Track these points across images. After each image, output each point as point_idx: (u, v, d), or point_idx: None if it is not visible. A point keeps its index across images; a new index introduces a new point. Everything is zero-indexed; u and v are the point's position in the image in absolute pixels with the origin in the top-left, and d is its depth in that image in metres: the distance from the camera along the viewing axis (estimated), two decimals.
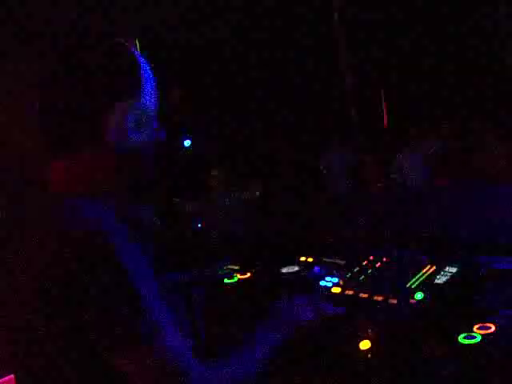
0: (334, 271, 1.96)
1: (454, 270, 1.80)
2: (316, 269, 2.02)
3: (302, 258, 2.24)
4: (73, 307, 1.12)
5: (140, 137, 1.30)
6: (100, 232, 1.15)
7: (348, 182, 7.96)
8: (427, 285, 1.75)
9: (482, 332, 1.50)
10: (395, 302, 1.68)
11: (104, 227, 1.17)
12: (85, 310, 1.12)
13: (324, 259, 2.19)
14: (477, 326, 1.53)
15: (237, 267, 2.27)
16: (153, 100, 1.34)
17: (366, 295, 1.77)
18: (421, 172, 7.45)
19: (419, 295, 1.68)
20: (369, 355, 1.50)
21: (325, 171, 8.67)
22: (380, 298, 1.72)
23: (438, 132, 8.12)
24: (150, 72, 1.35)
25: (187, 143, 8.48)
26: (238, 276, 2.22)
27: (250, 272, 2.23)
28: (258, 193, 6.52)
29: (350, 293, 1.81)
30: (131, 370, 1.16)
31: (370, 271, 1.93)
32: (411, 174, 7.51)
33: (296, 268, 2.20)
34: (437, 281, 1.76)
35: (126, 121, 1.26)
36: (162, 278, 1.95)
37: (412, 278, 1.79)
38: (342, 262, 2.07)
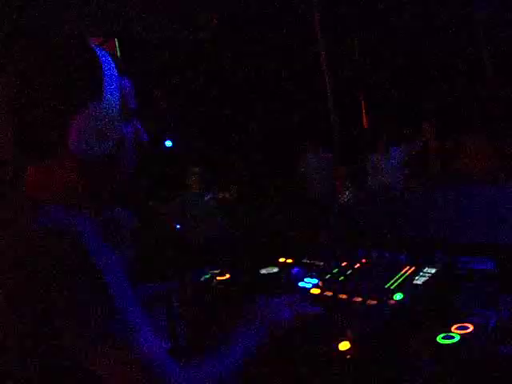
0: (313, 272, 1.96)
1: (432, 270, 1.81)
2: (295, 270, 2.01)
3: (282, 260, 2.24)
4: (42, 307, 1.11)
5: (103, 145, 1.26)
6: (71, 231, 1.14)
7: (326, 184, 8.02)
8: (406, 285, 1.75)
9: (460, 332, 1.51)
10: (374, 302, 1.68)
11: (76, 227, 1.16)
12: (55, 311, 1.11)
13: (303, 260, 2.19)
14: (455, 326, 1.54)
15: (217, 271, 2.25)
16: (116, 104, 1.27)
17: (345, 296, 1.77)
18: (397, 173, 7.52)
19: (398, 296, 1.68)
20: (348, 356, 1.50)
21: (303, 172, 8.72)
22: (359, 299, 1.72)
23: (417, 132, 8.20)
24: (115, 74, 1.28)
25: (168, 143, 8.48)
26: (218, 277, 2.21)
27: (229, 273, 2.22)
28: (234, 193, 6.55)
29: (329, 294, 1.81)
30: (105, 371, 1.15)
31: (349, 272, 1.94)
32: (388, 174, 7.59)
33: (275, 269, 2.19)
34: (415, 281, 1.77)
35: (83, 132, 1.22)
36: (141, 288, 1.95)
37: (391, 279, 1.80)
38: (321, 264, 2.07)
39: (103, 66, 1.26)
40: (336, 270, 1.97)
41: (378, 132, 8.66)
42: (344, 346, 1.51)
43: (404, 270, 1.84)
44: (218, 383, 1.32)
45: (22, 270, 1.12)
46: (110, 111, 1.25)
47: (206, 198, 6.06)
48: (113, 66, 1.28)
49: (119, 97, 1.28)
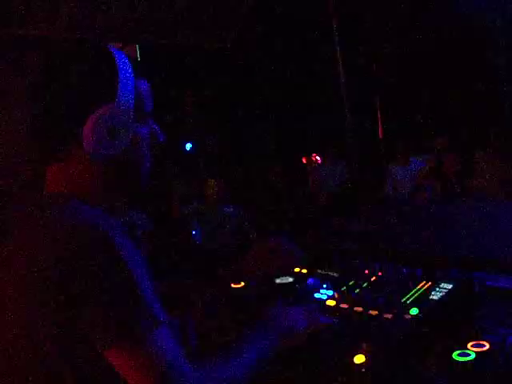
0: (329, 284, 1.95)
1: (449, 286, 1.79)
2: (310, 280, 2.01)
3: (297, 269, 2.24)
4: (72, 300, 1.14)
5: (116, 144, 1.29)
6: (100, 227, 1.18)
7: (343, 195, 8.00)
8: (422, 300, 1.74)
9: (477, 350, 1.50)
10: (390, 316, 1.68)
11: (103, 224, 1.20)
12: (84, 303, 1.14)
13: (318, 271, 2.18)
14: (471, 344, 1.53)
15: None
16: (131, 106, 1.31)
17: (360, 309, 1.76)
18: (413, 185, 7.50)
19: (414, 311, 1.68)
20: (363, 369, 1.49)
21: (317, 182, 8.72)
22: (375, 313, 1.72)
23: (431, 146, 8.18)
24: (130, 77, 1.32)
25: (188, 146, 8.50)
26: (232, 285, 2.21)
27: (244, 281, 2.22)
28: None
29: (345, 306, 1.81)
30: (122, 362, 1.17)
31: (365, 285, 1.93)
32: (403, 186, 7.57)
33: (290, 279, 2.19)
34: (432, 297, 1.76)
35: (96, 131, 1.26)
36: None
37: (407, 294, 1.79)
38: (337, 275, 2.07)
39: (119, 68, 1.30)
40: (352, 282, 1.96)
41: (394, 144, 8.64)
42: (359, 359, 1.51)
43: (420, 285, 1.83)
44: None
45: (61, 266, 1.14)
46: (124, 112, 1.29)
47: (225, 211, 6.08)
48: (129, 67, 1.32)
49: (133, 98, 1.31)
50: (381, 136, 12.15)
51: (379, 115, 12.05)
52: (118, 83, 1.28)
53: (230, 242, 5.57)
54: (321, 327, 1.66)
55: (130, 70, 1.32)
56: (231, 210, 6.18)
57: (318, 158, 8.81)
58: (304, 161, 9.09)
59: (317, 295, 1.92)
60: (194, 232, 5.16)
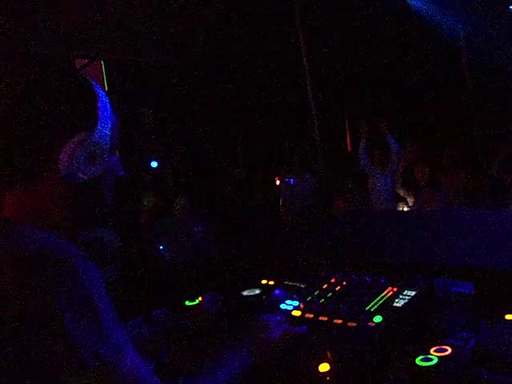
0: (295, 294, 1.97)
1: (412, 293, 1.82)
2: (277, 292, 2.02)
3: (264, 281, 2.25)
4: (28, 329, 1.12)
5: (92, 170, 1.31)
6: (63, 254, 1.18)
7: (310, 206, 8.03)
8: (386, 308, 1.77)
9: (439, 354, 1.53)
10: (354, 324, 1.70)
11: (67, 250, 1.20)
12: (42, 333, 1.12)
13: (285, 282, 2.20)
14: (434, 349, 1.56)
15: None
16: (108, 133, 1.35)
17: (325, 318, 1.78)
18: (390, 193, 7.57)
19: (378, 318, 1.70)
20: (328, 378, 1.51)
21: (287, 193, 8.74)
22: (339, 321, 1.74)
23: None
24: (108, 106, 1.36)
25: (154, 164, 8.50)
26: (200, 299, 2.22)
27: (211, 295, 2.22)
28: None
29: (310, 316, 1.82)
30: None
31: (330, 294, 1.95)
32: (382, 195, 7.62)
33: (257, 291, 2.20)
34: (395, 304, 1.79)
35: (76, 156, 1.27)
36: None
37: (371, 302, 1.81)
38: (303, 286, 2.08)
39: (99, 98, 1.34)
40: (317, 292, 1.98)
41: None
42: (324, 367, 1.52)
43: (384, 293, 1.85)
44: None
45: (7, 290, 1.13)
46: (102, 140, 1.32)
47: (195, 229, 6.09)
48: (107, 99, 1.37)
49: (111, 127, 1.36)
50: (349, 149, 12.30)
51: (347, 127, 12.19)
52: (98, 112, 1.32)
53: (192, 258, 5.56)
54: (295, 337, 1.69)
55: (107, 101, 1.36)
56: (199, 228, 6.18)
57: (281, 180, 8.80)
58: (277, 182, 9.09)
59: (283, 306, 1.93)
60: (161, 247, 5.15)
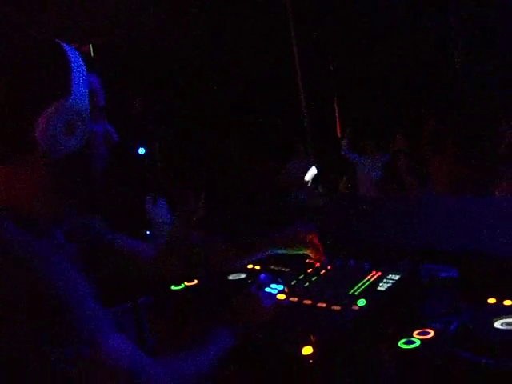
0: (280, 278, 1.97)
1: (396, 277, 1.83)
2: (262, 276, 2.02)
3: (249, 266, 2.26)
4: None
5: (72, 141, 1.22)
6: (29, 254, 1.12)
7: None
8: (370, 292, 1.78)
9: (421, 337, 1.54)
10: (338, 308, 1.70)
11: (33, 249, 1.13)
12: (13, 327, 1.07)
13: (271, 267, 2.21)
14: (416, 332, 1.57)
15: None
16: (86, 100, 1.25)
17: (309, 302, 1.79)
18: (374, 181, 7.58)
19: (362, 302, 1.71)
20: (311, 361, 1.51)
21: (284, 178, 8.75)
22: (323, 305, 1.74)
23: (392, 143, 8.29)
24: (84, 71, 1.26)
25: (142, 150, 8.47)
26: (186, 283, 2.22)
27: (197, 279, 2.23)
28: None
29: (295, 299, 1.83)
30: (79, 377, 1.11)
31: (314, 278, 1.96)
32: (365, 182, 7.64)
33: (243, 275, 2.21)
34: (379, 288, 1.79)
35: (51, 127, 1.19)
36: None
37: (355, 285, 1.82)
38: (288, 270, 2.09)
39: (71, 62, 1.24)
40: (302, 276, 1.99)
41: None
42: (307, 350, 1.53)
43: (368, 277, 1.86)
44: (194, 377, 1.35)
45: None
46: (79, 107, 1.23)
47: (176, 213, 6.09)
48: (81, 62, 1.27)
49: (88, 93, 1.26)
50: (339, 134, 12.30)
51: (337, 113, 12.20)
52: (71, 77, 1.22)
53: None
54: (278, 309, 1.73)
55: (82, 64, 1.26)
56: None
57: None
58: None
59: (267, 290, 1.94)
60: (148, 232, 5.15)
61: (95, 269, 1.51)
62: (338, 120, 12.13)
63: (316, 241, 2.06)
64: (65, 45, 1.27)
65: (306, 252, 2.07)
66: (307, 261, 2.09)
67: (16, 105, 1.19)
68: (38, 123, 1.18)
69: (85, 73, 1.26)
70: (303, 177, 8.50)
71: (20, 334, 1.06)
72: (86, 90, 1.26)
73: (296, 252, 2.07)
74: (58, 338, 1.08)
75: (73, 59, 1.25)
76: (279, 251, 2.06)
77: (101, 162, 1.34)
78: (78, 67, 1.25)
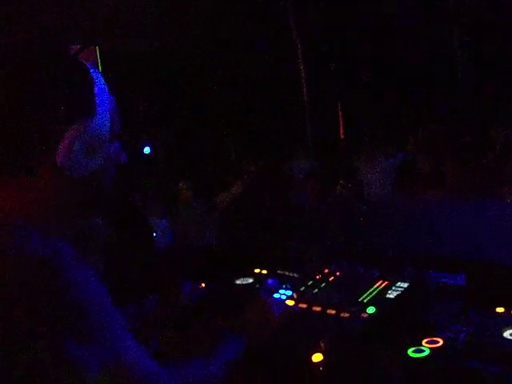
0: (288, 284, 1.98)
1: (405, 285, 1.84)
2: (270, 281, 2.03)
3: (257, 270, 2.26)
4: (23, 338, 1.07)
5: (91, 162, 1.23)
6: (52, 259, 1.11)
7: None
8: (379, 299, 1.79)
9: (431, 346, 1.55)
10: (347, 315, 1.71)
11: (56, 254, 1.13)
12: (35, 340, 1.07)
13: (278, 272, 2.21)
14: (425, 340, 1.57)
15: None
16: (107, 122, 1.25)
17: (319, 308, 1.79)
18: (383, 184, 7.54)
19: (371, 309, 1.71)
20: (321, 368, 1.52)
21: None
22: (333, 312, 1.75)
23: (402, 145, 8.26)
24: (106, 91, 1.26)
25: (147, 150, 8.48)
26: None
27: (204, 283, 2.24)
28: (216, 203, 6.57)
29: (304, 306, 1.84)
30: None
31: (323, 285, 1.96)
32: (373, 185, 7.60)
33: (250, 280, 2.22)
34: (388, 295, 1.80)
35: (73, 148, 1.18)
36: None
37: (364, 293, 1.83)
38: (296, 275, 2.10)
39: (96, 83, 1.24)
40: (310, 282, 1.99)
41: (361, 143, 8.70)
42: (317, 357, 1.54)
43: (377, 284, 1.87)
44: None
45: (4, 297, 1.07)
46: (101, 130, 1.24)
47: (199, 211, 6.14)
48: (104, 84, 1.27)
49: (110, 115, 1.26)
50: (342, 136, 12.29)
51: (340, 114, 12.18)
52: (96, 99, 1.22)
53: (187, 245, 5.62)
54: (289, 316, 1.71)
55: (105, 86, 1.27)
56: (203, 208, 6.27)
57: None
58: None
59: (276, 295, 1.94)
60: (155, 234, 5.14)
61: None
62: (341, 122, 12.13)
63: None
64: (90, 67, 1.26)
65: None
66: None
67: (39, 120, 1.18)
68: (60, 143, 1.18)
69: (107, 96, 1.27)
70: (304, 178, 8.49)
71: (39, 335, 1.07)
72: (108, 114, 1.26)
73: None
74: (78, 340, 1.09)
75: (97, 82, 1.25)
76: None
77: (109, 180, 1.34)
78: (102, 90, 1.25)
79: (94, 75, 1.25)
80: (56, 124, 1.19)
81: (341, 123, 12.29)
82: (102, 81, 1.27)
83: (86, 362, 1.09)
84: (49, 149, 1.19)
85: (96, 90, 1.23)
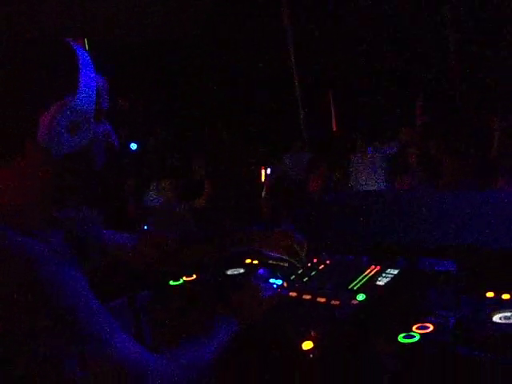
0: (278, 273, 1.98)
1: (395, 271, 1.84)
2: (260, 271, 2.03)
3: (248, 261, 2.26)
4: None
5: (75, 140, 1.21)
6: (24, 256, 1.10)
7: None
8: (369, 286, 1.78)
9: (421, 331, 1.54)
10: (337, 303, 1.71)
11: (28, 251, 1.12)
12: (16, 338, 1.06)
13: (269, 261, 2.21)
14: (416, 326, 1.57)
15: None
16: (92, 99, 1.24)
17: (309, 297, 1.79)
18: (374, 175, 7.54)
19: (361, 296, 1.71)
20: (311, 355, 1.52)
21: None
22: (323, 300, 1.75)
23: (396, 137, 8.25)
24: (91, 69, 1.25)
25: (134, 146, 8.45)
26: (184, 278, 2.22)
27: (196, 274, 2.23)
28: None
29: (294, 294, 1.84)
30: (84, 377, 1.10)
31: (313, 273, 1.96)
32: (366, 177, 7.60)
33: (241, 270, 2.21)
34: (378, 282, 1.80)
35: (54, 125, 1.17)
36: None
37: (354, 280, 1.83)
38: (286, 264, 2.09)
39: (80, 60, 1.23)
40: (301, 270, 1.99)
41: (353, 134, 8.70)
42: (307, 345, 1.53)
43: (367, 272, 1.87)
44: (199, 370, 1.34)
45: None
46: (85, 107, 1.22)
47: (177, 209, 6.12)
48: (90, 61, 1.26)
49: (95, 93, 1.25)
50: (335, 128, 12.29)
51: (332, 107, 12.18)
52: (79, 76, 1.21)
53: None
54: (279, 300, 1.73)
55: (90, 64, 1.25)
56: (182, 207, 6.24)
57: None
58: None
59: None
60: (145, 227, 5.15)
61: (83, 262, 1.50)
62: (333, 114, 12.14)
63: (294, 246, 2.02)
64: (75, 44, 1.25)
65: (284, 257, 2.04)
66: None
67: (18, 102, 1.17)
68: (41, 121, 1.17)
69: (93, 73, 1.26)
70: (299, 171, 8.47)
71: (22, 332, 1.06)
72: (94, 91, 1.25)
73: (273, 257, 2.06)
74: (63, 336, 1.08)
75: (82, 59, 1.24)
76: (258, 248, 2.05)
77: (100, 163, 1.33)
78: (86, 67, 1.24)
79: (79, 52, 1.24)
80: (38, 102, 1.17)
81: (333, 115, 12.31)
82: (88, 58, 1.25)
83: (71, 357, 1.07)
84: (30, 129, 1.17)
85: (80, 69, 1.22)
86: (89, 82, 1.24)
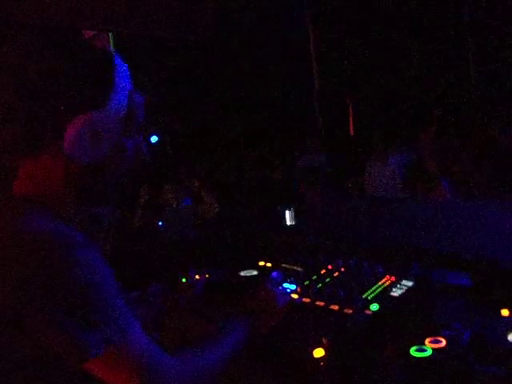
0: (292, 278, 1.97)
1: (409, 283, 1.83)
2: (274, 274, 2.03)
3: (261, 263, 2.26)
4: (29, 316, 1.09)
5: (96, 152, 1.24)
6: (63, 240, 1.13)
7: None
8: (383, 296, 1.78)
9: (433, 346, 1.53)
10: (350, 311, 1.70)
11: (66, 237, 1.15)
12: (42, 320, 1.09)
13: (283, 265, 2.21)
14: (428, 340, 1.56)
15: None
16: (121, 116, 1.26)
17: (322, 303, 1.79)
18: (391, 182, 7.49)
19: (374, 306, 1.70)
20: (322, 363, 1.51)
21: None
22: (336, 307, 1.74)
23: (412, 143, 8.20)
24: (127, 86, 1.28)
25: (154, 139, 8.46)
26: (197, 277, 2.22)
27: (209, 274, 2.23)
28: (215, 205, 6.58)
29: (307, 300, 1.83)
30: (101, 370, 1.15)
31: (327, 280, 1.95)
32: (381, 183, 7.55)
33: (254, 272, 2.21)
34: (392, 293, 1.79)
35: (79, 136, 1.19)
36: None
37: (369, 289, 1.82)
38: (301, 269, 2.09)
39: (116, 75, 1.25)
40: (315, 276, 1.99)
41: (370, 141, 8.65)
42: (318, 353, 1.53)
43: (381, 282, 1.86)
44: (208, 373, 1.35)
45: (12, 273, 1.09)
46: (112, 119, 1.24)
47: (181, 207, 6.16)
48: (127, 76, 1.28)
49: (126, 108, 1.27)
50: (352, 133, 12.24)
51: (350, 111, 12.14)
52: (112, 90, 1.23)
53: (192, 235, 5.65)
54: (292, 304, 1.73)
55: (127, 79, 1.28)
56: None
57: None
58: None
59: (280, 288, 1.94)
60: (160, 223, 5.16)
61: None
62: (351, 118, 12.09)
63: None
64: (117, 59, 1.27)
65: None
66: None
67: (50, 105, 1.19)
68: (69, 127, 1.20)
69: (127, 89, 1.28)
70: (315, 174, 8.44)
71: (51, 317, 1.08)
72: (125, 106, 1.27)
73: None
74: (88, 322, 1.10)
75: (119, 73, 1.26)
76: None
77: (123, 171, 1.35)
78: (121, 81, 1.26)
79: (119, 67, 1.26)
80: (71, 109, 1.20)
81: (351, 120, 12.26)
82: (126, 73, 1.28)
83: (90, 341, 1.10)
84: (59, 133, 1.20)
85: (115, 82, 1.24)
86: (120, 98, 1.26)
